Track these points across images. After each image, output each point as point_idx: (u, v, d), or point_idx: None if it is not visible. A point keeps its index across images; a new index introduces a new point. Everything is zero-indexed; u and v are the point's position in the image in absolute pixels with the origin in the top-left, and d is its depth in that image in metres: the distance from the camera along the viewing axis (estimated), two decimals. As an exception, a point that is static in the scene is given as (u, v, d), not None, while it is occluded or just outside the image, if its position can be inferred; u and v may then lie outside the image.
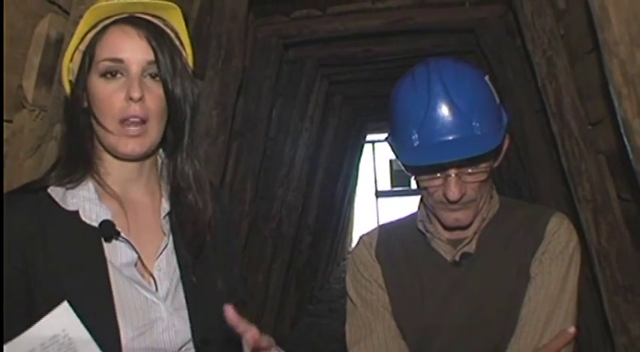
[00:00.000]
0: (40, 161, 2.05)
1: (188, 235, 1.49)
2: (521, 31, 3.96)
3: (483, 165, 1.58)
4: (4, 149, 1.98)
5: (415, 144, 1.58)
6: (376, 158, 17.17)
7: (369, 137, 14.49)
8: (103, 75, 1.38)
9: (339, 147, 9.98)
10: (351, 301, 1.78)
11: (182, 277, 1.46)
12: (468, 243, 1.67)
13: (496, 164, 1.66)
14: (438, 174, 1.58)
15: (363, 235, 1.85)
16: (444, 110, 1.55)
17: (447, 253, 1.69)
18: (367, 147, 15.46)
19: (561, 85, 3.45)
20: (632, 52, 2.06)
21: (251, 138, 5.04)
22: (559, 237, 1.63)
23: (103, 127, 1.39)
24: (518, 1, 3.79)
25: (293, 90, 6.41)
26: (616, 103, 2.20)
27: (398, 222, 1.87)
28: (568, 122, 3.44)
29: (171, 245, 1.48)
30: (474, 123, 1.55)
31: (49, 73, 2.05)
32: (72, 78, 1.44)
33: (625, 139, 2.21)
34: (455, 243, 1.69)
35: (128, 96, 1.36)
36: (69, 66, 1.43)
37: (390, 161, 17.19)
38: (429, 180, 1.61)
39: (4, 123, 1.97)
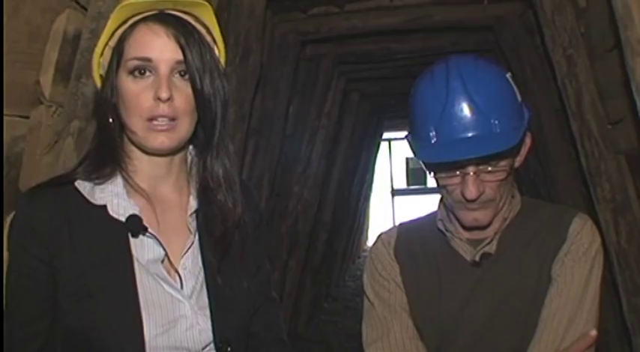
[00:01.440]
0: (57, 157, 2.05)
1: (216, 234, 1.46)
2: (540, 29, 3.92)
3: (503, 163, 1.56)
4: (21, 145, 1.99)
5: (433, 142, 1.56)
6: (393, 156, 17.13)
7: (386, 135, 14.46)
8: (132, 73, 1.36)
9: (356, 144, 9.96)
10: (369, 300, 1.76)
11: (206, 276, 1.45)
12: (488, 243, 1.65)
13: (517, 164, 1.64)
14: (457, 172, 1.56)
15: (382, 233, 1.83)
16: (462, 107, 1.53)
17: (467, 253, 1.67)
18: (384, 145, 15.43)
19: (581, 83, 3.42)
20: (656, 51, 2.03)
21: (268, 136, 5.03)
22: (582, 238, 1.61)
23: (129, 126, 1.38)
24: (538, -1, 3.75)
25: (310, 88, 6.40)
26: (638, 102, 2.17)
27: (417, 221, 1.84)
28: (588, 121, 3.41)
29: (197, 243, 1.47)
30: (492, 121, 1.53)
31: (66, 69, 2.05)
32: (102, 73, 1.43)
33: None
34: (475, 243, 1.67)
35: (156, 96, 1.34)
36: (99, 61, 1.42)
37: (407, 159, 17.11)
38: (447, 179, 1.59)
39: (21, 119, 1.97)
